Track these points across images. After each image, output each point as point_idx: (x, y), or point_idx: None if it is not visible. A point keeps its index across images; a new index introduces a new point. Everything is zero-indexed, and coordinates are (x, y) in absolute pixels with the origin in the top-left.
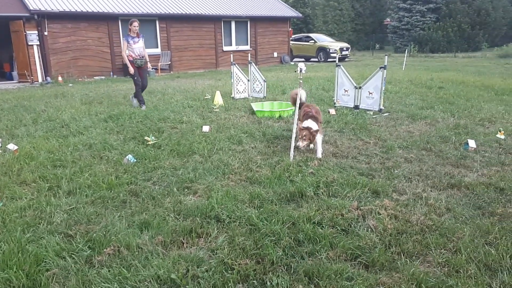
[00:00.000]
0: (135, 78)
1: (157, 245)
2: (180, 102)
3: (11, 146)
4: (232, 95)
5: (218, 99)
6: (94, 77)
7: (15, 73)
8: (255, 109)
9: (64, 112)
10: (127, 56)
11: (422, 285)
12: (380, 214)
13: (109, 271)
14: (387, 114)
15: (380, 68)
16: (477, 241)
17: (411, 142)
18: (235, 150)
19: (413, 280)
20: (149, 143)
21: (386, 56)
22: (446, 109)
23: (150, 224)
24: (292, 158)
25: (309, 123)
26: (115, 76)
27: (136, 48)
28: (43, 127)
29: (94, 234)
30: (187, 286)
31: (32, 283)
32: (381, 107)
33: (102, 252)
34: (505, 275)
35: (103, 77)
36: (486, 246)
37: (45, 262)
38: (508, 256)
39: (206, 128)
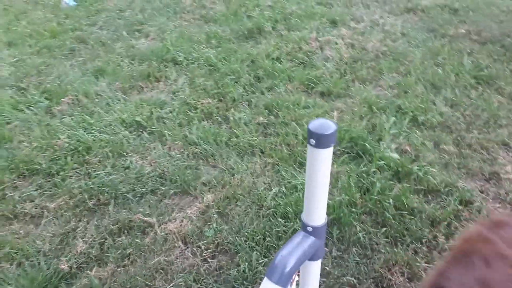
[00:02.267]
0: None
1: (117, 91)
2: None
3: None
4: None
5: None
6: None
7: None
8: None
9: None
10: None
11: (373, 106)
12: (337, 44)
13: (72, 119)
14: None
15: None
16: (427, 63)
17: None
18: None
19: (365, 103)
20: None
21: None
22: None
23: (105, 71)
24: None
25: None
26: None
27: None
28: None
29: (48, 85)
30: (153, 127)
31: None
32: None
33: (61, 102)
34: (448, 91)
35: None
36: (434, 67)
37: (3, 115)
38: (453, 74)
39: None
